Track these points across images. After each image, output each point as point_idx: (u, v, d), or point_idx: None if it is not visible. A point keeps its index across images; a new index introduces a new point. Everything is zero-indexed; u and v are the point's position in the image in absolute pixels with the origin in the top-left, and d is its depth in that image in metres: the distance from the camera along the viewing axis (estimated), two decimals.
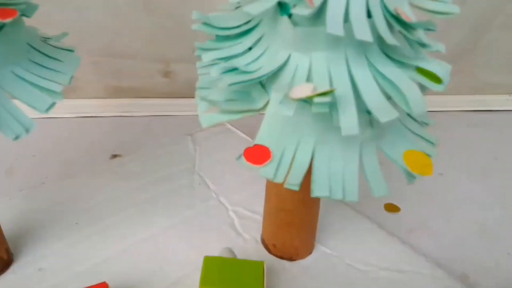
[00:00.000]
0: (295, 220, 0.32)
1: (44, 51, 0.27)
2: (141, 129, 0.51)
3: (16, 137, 0.23)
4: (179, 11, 0.46)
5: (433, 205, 0.42)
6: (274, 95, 0.23)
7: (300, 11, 0.20)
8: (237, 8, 0.27)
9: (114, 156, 0.45)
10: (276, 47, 0.24)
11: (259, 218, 0.36)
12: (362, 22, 0.20)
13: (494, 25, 0.52)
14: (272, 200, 0.32)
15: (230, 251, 0.31)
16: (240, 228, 0.36)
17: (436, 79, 0.23)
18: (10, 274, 0.31)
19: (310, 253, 0.34)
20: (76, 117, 0.51)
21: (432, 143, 0.27)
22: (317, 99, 0.20)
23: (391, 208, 0.40)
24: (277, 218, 0.32)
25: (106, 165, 0.43)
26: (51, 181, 0.41)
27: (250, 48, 0.25)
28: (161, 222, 0.36)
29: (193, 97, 0.41)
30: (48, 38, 0.29)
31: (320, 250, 0.34)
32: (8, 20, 0.22)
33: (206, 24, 0.26)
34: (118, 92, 0.53)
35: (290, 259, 0.33)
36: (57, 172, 0.43)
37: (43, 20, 0.27)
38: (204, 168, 0.43)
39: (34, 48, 0.27)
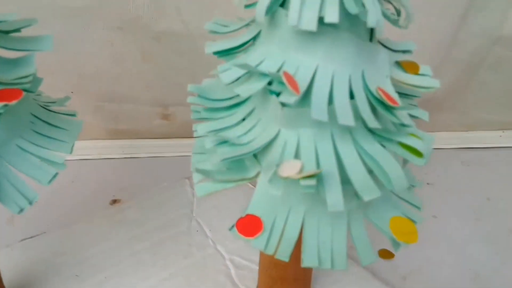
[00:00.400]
0: (289, 274, 0.33)
1: (47, 119, 0.29)
2: (141, 171, 0.52)
3: (20, 211, 0.25)
4: (176, 59, 0.48)
5: (426, 250, 0.43)
6: (264, 171, 0.24)
7: (286, 99, 0.22)
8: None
9: (114, 201, 0.46)
10: (267, 121, 0.25)
11: (256, 267, 0.37)
12: (345, 107, 0.22)
13: (484, 66, 0.53)
14: (266, 255, 0.33)
15: None
16: (236, 278, 0.37)
17: (418, 153, 0.24)
18: None
19: None
20: (77, 159, 0.53)
21: (418, 207, 0.28)
22: (303, 182, 0.21)
23: (385, 254, 0.41)
24: (271, 272, 0.33)
25: (106, 211, 0.44)
26: (52, 229, 0.42)
27: (243, 119, 0.27)
28: (158, 272, 0.37)
29: (191, 137, 0.43)
30: (52, 102, 0.31)
31: None
32: (13, 102, 0.24)
33: (200, 96, 0.27)
34: (117, 135, 0.54)
35: None
36: (58, 219, 0.44)
37: (46, 68, 0.29)
38: (201, 214, 0.44)
39: (37, 118, 0.28)
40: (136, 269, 0.38)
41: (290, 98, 0.21)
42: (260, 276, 0.35)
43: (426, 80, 0.26)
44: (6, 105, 0.23)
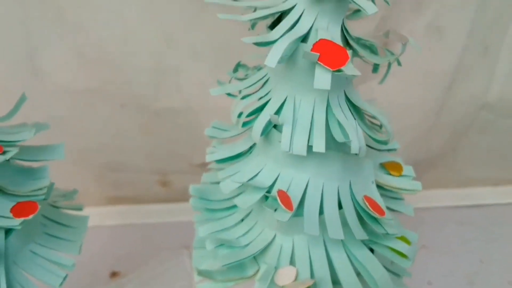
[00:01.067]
0: None
1: (57, 219, 0.31)
2: (140, 238, 0.55)
3: None
4: (175, 132, 0.51)
5: None
6: (261, 280, 0.27)
7: (280, 216, 0.25)
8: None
9: (113, 274, 0.49)
10: (264, 224, 0.28)
11: None
12: (335, 221, 0.25)
13: (473, 129, 0.57)
14: None
15: None
16: None
17: (404, 255, 0.27)
18: None
19: None
20: None
21: None
22: None
23: None
24: None
25: (106, 286, 0.46)
26: None
27: (242, 220, 0.30)
28: None
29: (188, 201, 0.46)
30: (61, 196, 0.34)
31: None
32: (30, 216, 0.26)
33: (201, 198, 0.30)
34: (117, 201, 0.57)
35: None
36: None
37: (48, 142, 0.31)
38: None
39: (48, 218, 0.31)
40: None
41: (284, 215, 0.24)
42: None
43: (409, 183, 0.29)
44: (24, 221, 0.26)
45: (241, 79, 0.30)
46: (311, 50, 0.23)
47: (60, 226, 0.31)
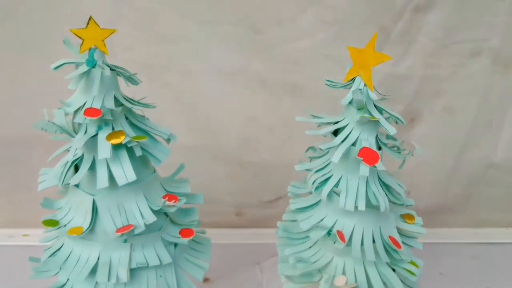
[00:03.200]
0: None
1: (195, 239, 0.52)
2: (223, 255, 0.75)
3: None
4: (252, 178, 0.72)
5: None
6: (325, 282, 0.46)
7: (338, 245, 0.44)
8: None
9: (206, 280, 0.69)
10: (325, 249, 0.48)
11: None
12: (370, 249, 0.44)
13: (483, 183, 0.74)
14: None
15: None
16: None
17: (413, 274, 0.45)
18: None
19: None
20: None
21: None
22: None
23: None
24: None
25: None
26: None
27: (311, 246, 0.49)
28: None
29: (258, 227, 0.67)
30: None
31: None
32: (191, 237, 0.47)
33: (284, 230, 0.50)
34: (202, 226, 0.78)
35: None
36: None
37: None
38: None
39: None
40: None
41: (340, 245, 0.44)
42: None
43: (418, 229, 0.48)
44: (189, 240, 0.47)
45: (311, 158, 0.50)
46: (358, 153, 0.43)
47: (196, 244, 0.52)
